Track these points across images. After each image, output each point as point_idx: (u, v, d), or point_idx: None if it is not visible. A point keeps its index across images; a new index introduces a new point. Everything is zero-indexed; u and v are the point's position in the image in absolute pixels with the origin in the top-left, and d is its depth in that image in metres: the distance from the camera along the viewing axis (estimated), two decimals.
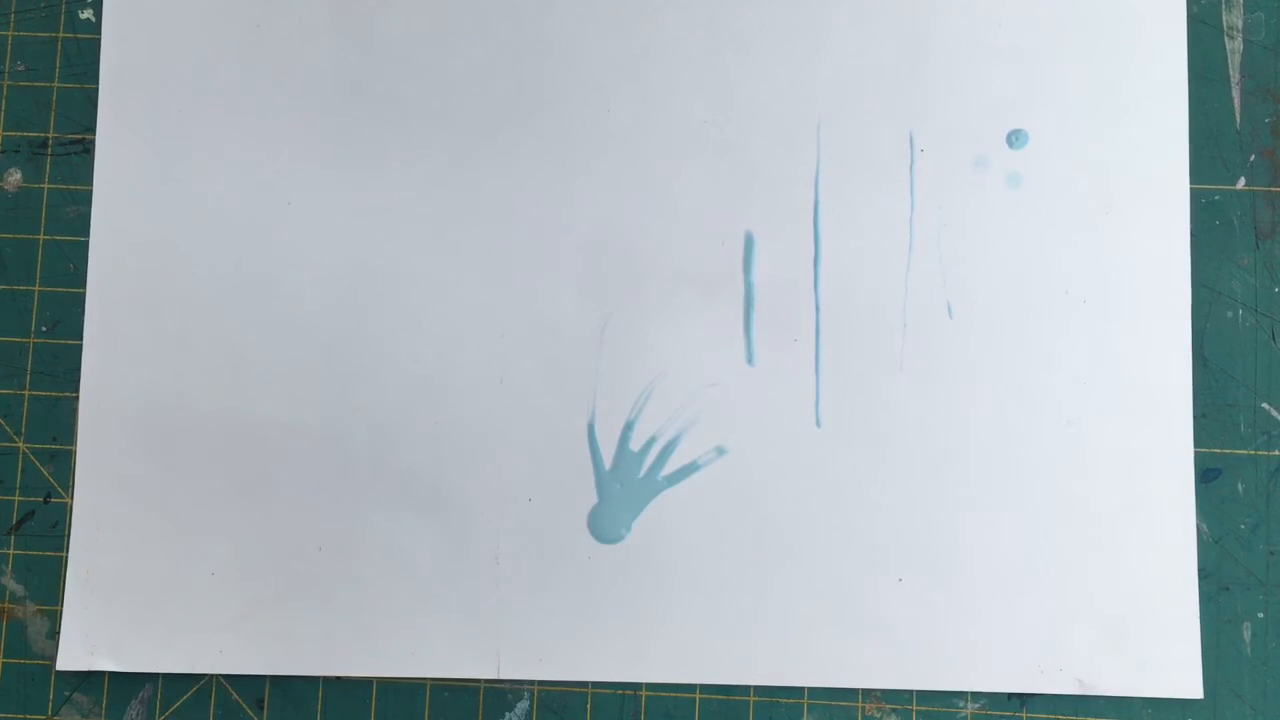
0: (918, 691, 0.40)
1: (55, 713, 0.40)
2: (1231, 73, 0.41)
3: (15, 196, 0.42)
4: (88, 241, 0.41)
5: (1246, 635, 0.40)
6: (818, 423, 0.40)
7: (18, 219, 0.42)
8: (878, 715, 0.40)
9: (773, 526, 0.40)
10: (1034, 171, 0.41)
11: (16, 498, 0.41)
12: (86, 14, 0.42)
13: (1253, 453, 0.40)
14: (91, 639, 0.40)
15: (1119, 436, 0.40)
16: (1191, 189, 0.41)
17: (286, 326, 0.41)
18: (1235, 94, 0.41)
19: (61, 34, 0.42)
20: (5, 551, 0.41)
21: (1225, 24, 0.42)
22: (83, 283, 0.41)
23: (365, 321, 0.41)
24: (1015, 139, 0.41)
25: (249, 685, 0.40)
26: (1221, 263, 0.41)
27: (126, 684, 0.40)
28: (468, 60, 0.41)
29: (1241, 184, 0.41)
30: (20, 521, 0.41)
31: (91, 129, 0.42)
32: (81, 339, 0.41)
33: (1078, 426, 0.40)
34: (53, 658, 0.40)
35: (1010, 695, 0.39)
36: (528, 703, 0.40)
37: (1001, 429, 0.40)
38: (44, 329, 0.41)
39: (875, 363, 0.40)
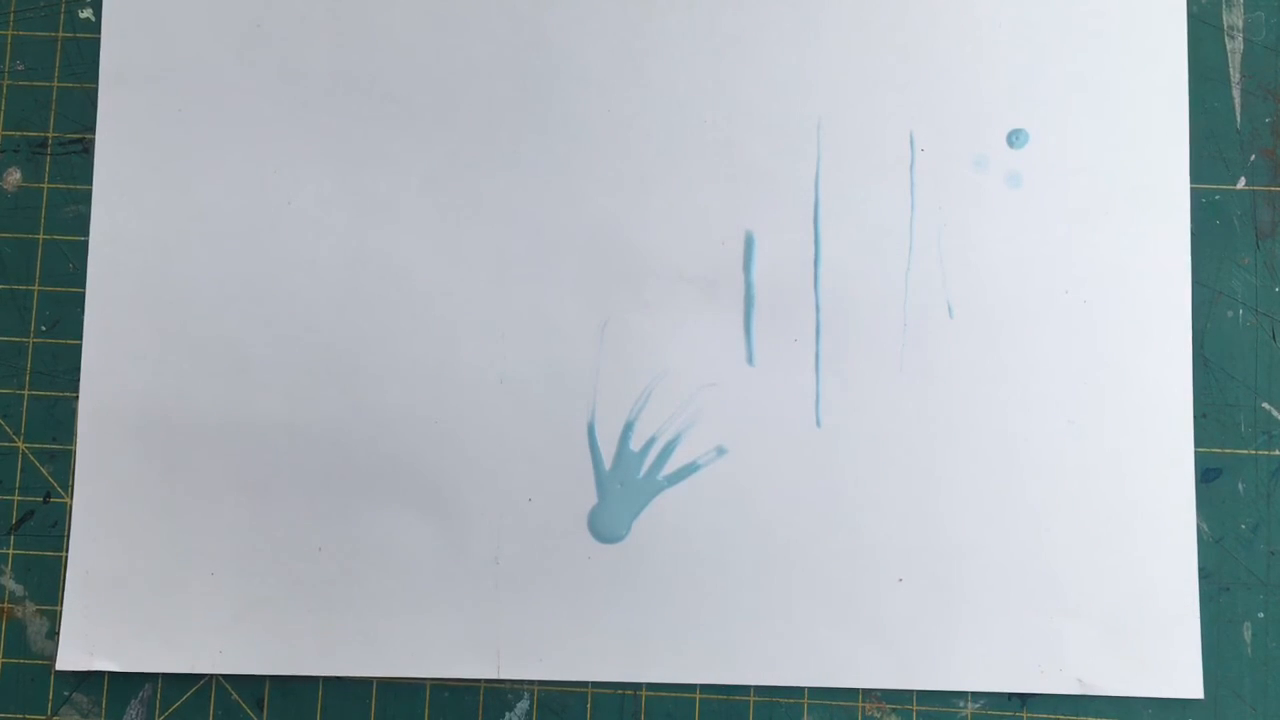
0: (918, 691, 0.39)
1: (55, 713, 0.40)
2: (1231, 73, 0.41)
3: (15, 196, 0.42)
4: (88, 241, 0.41)
5: (1246, 635, 0.40)
6: (818, 423, 0.40)
7: (17, 219, 0.42)
8: (878, 715, 0.40)
9: (773, 526, 0.40)
10: (1034, 171, 0.41)
11: (16, 498, 0.41)
12: (86, 14, 0.42)
13: (1253, 453, 0.40)
14: (91, 639, 0.40)
15: (1119, 436, 0.40)
16: (1191, 189, 0.41)
17: (286, 326, 0.41)
18: (1235, 94, 0.41)
19: (61, 34, 0.42)
20: (5, 551, 0.41)
21: (1225, 24, 0.42)
22: (83, 283, 0.41)
23: (365, 321, 0.41)
24: (1015, 139, 0.41)
25: (249, 685, 0.40)
26: (1221, 262, 0.41)
27: (126, 684, 0.40)
28: (468, 60, 0.41)
29: (1241, 184, 0.41)
30: (20, 521, 0.41)
31: (91, 129, 0.42)
32: (81, 339, 0.41)
33: (1078, 426, 0.40)
34: (52, 658, 0.40)
35: (1010, 695, 0.39)
36: (528, 703, 0.40)
37: (1001, 429, 0.40)
38: (44, 329, 0.41)
39: (875, 363, 0.40)
